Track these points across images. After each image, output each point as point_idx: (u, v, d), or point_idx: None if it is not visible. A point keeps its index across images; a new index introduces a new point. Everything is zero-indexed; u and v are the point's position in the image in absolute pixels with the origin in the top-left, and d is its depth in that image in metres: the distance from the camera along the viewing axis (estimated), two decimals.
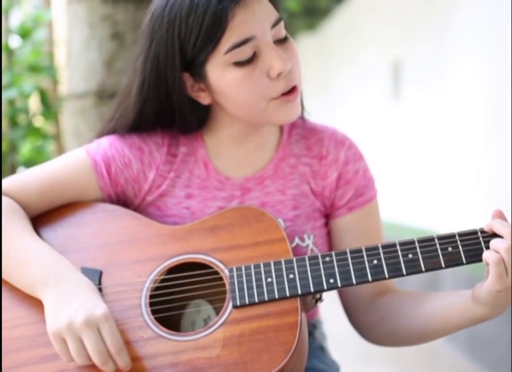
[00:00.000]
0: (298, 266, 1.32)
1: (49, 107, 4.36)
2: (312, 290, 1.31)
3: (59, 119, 4.82)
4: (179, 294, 1.35)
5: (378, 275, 1.31)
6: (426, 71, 5.38)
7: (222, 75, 1.37)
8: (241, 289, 1.32)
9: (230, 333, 1.28)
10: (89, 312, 1.23)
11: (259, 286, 1.31)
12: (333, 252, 1.33)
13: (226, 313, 1.31)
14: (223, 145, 1.51)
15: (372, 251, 1.32)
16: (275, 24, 1.37)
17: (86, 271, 1.37)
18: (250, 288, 1.31)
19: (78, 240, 1.43)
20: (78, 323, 1.22)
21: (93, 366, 1.25)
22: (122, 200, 1.50)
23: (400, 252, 1.31)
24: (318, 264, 1.32)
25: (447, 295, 1.41)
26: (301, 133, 1.54)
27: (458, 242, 1.30)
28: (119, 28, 2.81)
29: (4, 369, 1.28)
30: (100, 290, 1.36)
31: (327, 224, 1.54)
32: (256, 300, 1.30)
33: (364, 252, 1.32)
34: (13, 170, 4.70)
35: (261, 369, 1.24)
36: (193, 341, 1.29)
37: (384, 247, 1.32)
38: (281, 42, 1.39)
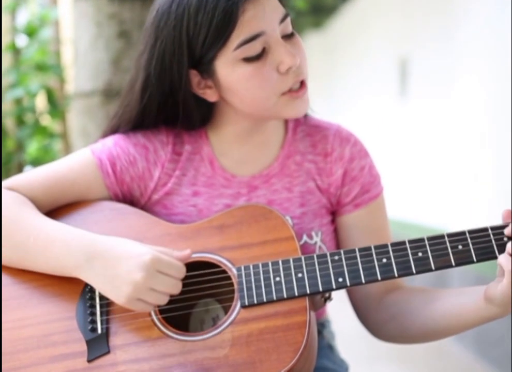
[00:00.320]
0: (306, 265, 1.31)
1: (56, 106, 4.36)
2: (320, 289, 1.30)
3: (66, 118, 4.82)
4: (187, 294, 1.34)
5: (387, 274, 1.30)
6: (433, 69, 5.37)
7: (231, 72, 1.36)
8: (249, 288, 1.31)
9: (239, 333, 1.27)
10: (142, 264, 1.26)
11: (267, 285, 1.31)
12: (342, 251, 1.32)
13: (234, 313, 1.30)
14: (227, 142, 1.50)
15: (381, 249, 1.31)
16: (283, 20, 1.37)
17: None
18: (258, 287, 1.31)
19: None
20: (142, 281, 1.25)
21: (98, 366, 1.25)
22: (128, 199, 1.50)
23: (409, 251, 1.30)
24: (327, 263, 1.31)
25: (457, 293, 1.40)
26: (306, 130, 1.54)
27: (469, 240, 1.28)
28: (126, 27, 2.80)
29: (13, 369, 1.28)
30: None
31: (333, 221, 1.54)
32: (265, 299, 1.30)
33: (373, 251, 1.31)
34: (20, 169, 4.71)
35: (270, 369, 1.23)
36: (201, 341, 1.28)
37: (393, 245, 1.31)
38: (288, 37, 1.38)
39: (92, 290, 1.34)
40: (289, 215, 1.46)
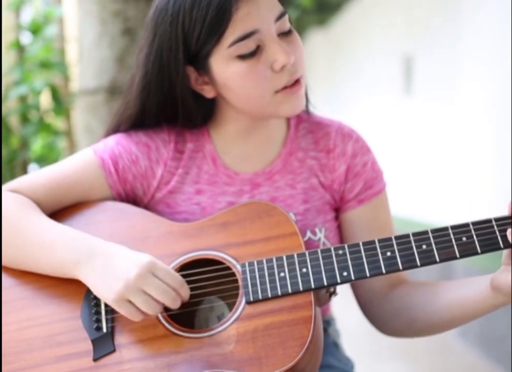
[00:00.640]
0: (310, 260, 1.31)
1: (60, 104, 4.36)
2: (325, 283, 1.30)
3: (71, 115, 4.82)
4: (192, 291, 1.34)
5: (392, 267, 1.30)
6: (437, 67, 5.36)
7: (225, 68, 1.37)
8: (254, 284, 1.31)
9: (244, 329, 1.27)
10: (138, 264, 1.25)
11: (272, 281, 1.31)
12: (346, 245, 1.32)
13: (239, 309, 1.30)
14: (229, 140, 1.51)
15: (385, 242, 1.31)
16: (279, 17, 1.37)
17: None
18: (262, 283, 1.31)
19: None
20: (134, 278, 1.24)
21: (104, 365, 1.26)
22: (131, 199, 1.50)
23: (413, 243, 1.30)
24: (331, 257, 1.31)
25: (462, 284, 1.40)
26: (308, 127, 1.54)
27: (473, 231, 1.28)
28: (130, 24, 2.81)
29: (19, 369, 1.28)
30: None
31: (337, 218, 1.54)
32: (269, 295, 1.30)
33: (377, 244, 1.31)
34: (24, 167, 4.72)
35: (276, 364, 1.23)
36: (207, 338, 1.28)
37: (397, 238, 1.31)
38: (285, 34, 1.38)
39: None
40: (292, 212, 1.46)
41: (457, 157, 4.89)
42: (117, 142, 1.49)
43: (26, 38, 4.98)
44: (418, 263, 1.29)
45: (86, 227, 1.43)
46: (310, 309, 1.28)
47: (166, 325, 1.31)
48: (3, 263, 1.39)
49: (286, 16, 1.39)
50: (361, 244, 1.32)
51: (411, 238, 1.31)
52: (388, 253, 1.30)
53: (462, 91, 4.78)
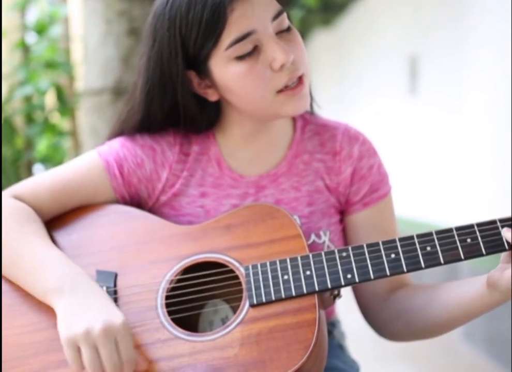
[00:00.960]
0: (314, 262, 1.31)
1: (65, 104, 4.36)
2: (329, 286, 1.29)
3: (76, 116, 4.82)
4: (195, 294, 1.34)
5: (396, 269, 1.29)
6: (443, 66, 5.35)
7: (225, 70, 1.36)
8: (257, 287, 1.30)
9: (248, 332, 1.26)
10: (109, 322, 1.21)
11: (275, 284, 1.30)
12: (350, 247, 1.31)
13: (243, 312, 1.29)
14: (235, 143, 1.50)
15: (389, 244, 1.30)
16: (276, 16, 1.36)
17: (101, 274, 1.36)
18: (266, 285, 1.30)
19: (92, 243, 1.42)
20: (97, 332, 1.20)
21: None
22: (136, 201, 1.49)
23: (417, 245, 1.29)
24: (335, 259, 1.30)
25: (458, 284, 1.40)
26: (314, 129, 1.53)
27: (477, 233, 1.28)
28: (135, 24, 2.81)
29: None
30: (115, 292, 1.35)
31: (342, 220, 1.53)
32: (273, 298, 1.29)
33: (381, 246, 1.30)
34: (29, 167, 4.72)
35: (280, 368, 1.22)
36: (211, 342, 1.27)
37: (401, 240, 1.30)
38: (283, 33, 1.37)
39: None
40: (297, 214, 1.45)
41: (463, 158, 4.87)
42: (122, 145, 1.48)
43: (31, 38, 4.98)
44: (423, 265, 1.28)
45: (90, 230, 1.43)
46: (314, 312, 1.27)
47: (170, 328, 1.30)
48: (3, 272, 1.38)
49: (284, 15, 1.38)
50: (365, 246, 1.31)
51: (416, 240, 1.30)
52: (392, 255, 1.29)
53: (467, 91, 4.77)
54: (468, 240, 1.28)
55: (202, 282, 1.34)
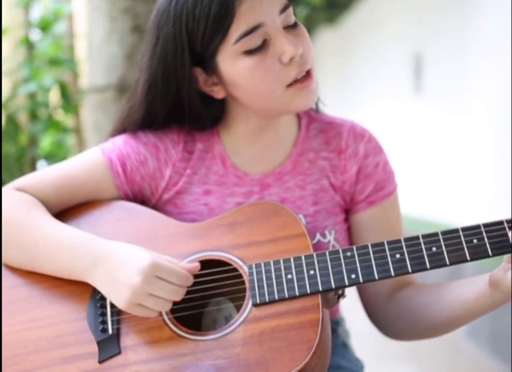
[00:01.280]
0: (318, 262, 1.30)
1: (69, 101, 4.36)
2: (333, 286, 1.28)
3: (80, 113, 4.83)
4: (199, 292, 1.33)
5: (401, 270, 1.28)
6: (447, 64, 5.34)
7: (233, 66, 1.35)
8: (260, 287, 1.29)
9: (251, 332, 1.26)
10: (140, 270, 1.24)
11: (279, 283, 1.29)
12: (354, 247, 1.30)
13: (246, 312, 1.28)
14: (239, 140, 1.49)
15: (394, 244, 1.29)
16: (283, 10, 1.35)
17: None
18: (269, 285, 1.29)
19: None
20: (140, 286, 1.23)
21: (109, 367, 1.25)
22: (139, 199, 1.48)
23: (423, 246, 1.27)
24: (340, 259, 1.29)
25: (463, 284, 1.39)
26: (319, 127, 1.52)
27: (484, 234, 1.26)
28: (139, 21, 2.80)
29: (25, 370, 1.27)
30: None
31: (347, 219, 1.52)
32: (276, 297, 1.28)
33: (386, 246, 1.29)
34: (33, 164, 4.72)
35: (283, 368, 1.21)
36: (213, 341, 1.26)
37: (406, 240, 1.29)
38: (290, 28, 1.37)
39: None
40: (302, 214, 1.44)
41: (468, 156, 4.86)
42: (125, 142, 1.48)
43: (35, 35, 4.99)
44: (428, 266, 1.27)
45: (93, 227, 1.42)
46: (318, 312, 1.26)
47: (172, 327, 1.29)
48: (8, 262, 1.38)
49: (291, 9, 1.37)
50: (369, 246, 1.30)
51: (421, 240, 1.28)
52: (397, 256, 1.28)
53: (472, 90, 4.76)
54: (475, 241, 1.26)
55: (205, 280, 1.34)
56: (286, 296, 1.28)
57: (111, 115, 2.83)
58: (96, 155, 1.47)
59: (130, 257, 1.27)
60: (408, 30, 6.32)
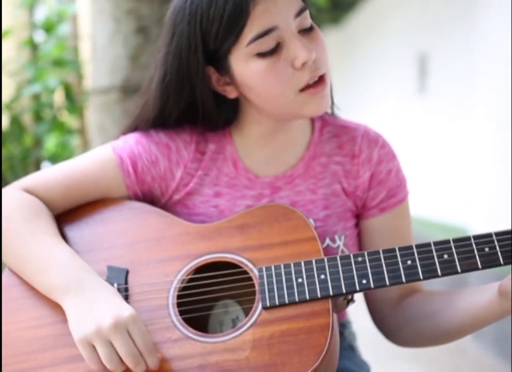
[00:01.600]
0: (329, 266, 1.29)
1: (74, 102, 4.35)
2: (344, 291, 1.27)
3: (84, 114, 4.82)
4: (207, 294, 1.33)
5: (412, 277, 1.27)
6: (452, 65, 5.33)
7: (245, 67, 1.34)
8: (271, 290, 1.28)
9: (260, 335, 1.25)
10: (117, 315, 1.20)
11: (289, 287, 1.28)
12: (365, 252, 1.30)
13: (256, 315, 1.28)
14: (252, 142, 1.48)
15: (406, 251, 1.28)
16: (299, 13, 1.34)
17: (112, 270, 1.35)
18: (280, 288, 1.28)
19: (105, 238, 1.40)
20: (107, 327, 1.19)
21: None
22: (148, 199, 1.47)
23: (434, 253, 1.27)
24: (350, 264, 1.29)
25: (472, 292, 1.38)
26: (333, 131, 1.51)
27: (496, 242, 1.25)
28: (144, 22, 2.80)
29: (30, 369, 1.26)
30: (126, 289, 1.33)
31: (357, 225, 1.51)
32: (286, 301, 1.27)
33: (398, 253, 1.28)
34: (37, 165, 4.72)
35: None
36: (222, 343, 1.26)
37: (418, 246, 1.28)
38: (306, 31, 1.36)
39: None
40: (312, 218, 1.43)
41: (473, 156, 4.85)
42: (136, 141, 1.47)
43: (39, 36, 4.98)
44: (439, 273, 1.27)
45: (102, 225, 1.42)
46: (328, 317, 1.25)
47: (181, 328, 1.28)
48: (7, 264, 1.38)
49: (307, 12, 1.36)
50: (381, 251, 1.29)
51: (433, 247, 1.28)
52: (409, 262, 1.27)
53: (477, 90, 4.75)
54: (486, 249, 1.26)
55: (213, 282, 1.33)
56: (297, 299, 1.27)
57: (116, 117, 2.82)
58: (107, 153, 1.46)
59: (115, 300, 1.24)
60: (412, 30, 6.31)
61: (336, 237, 1.45)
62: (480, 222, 4.58)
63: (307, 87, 1.34)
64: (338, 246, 1.45)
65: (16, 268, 1.35)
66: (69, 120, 4.99)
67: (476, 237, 1.27)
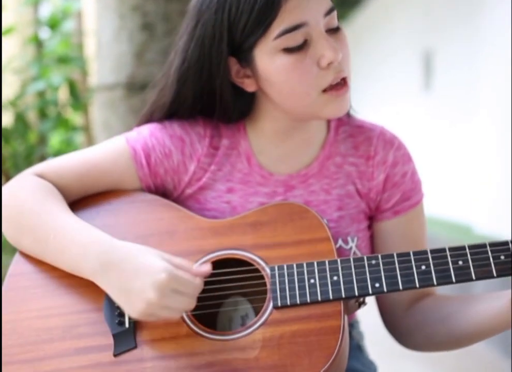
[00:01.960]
0: (342, 268, 1.28)
1: (78, 99, 4.35)
2: (356, 293, 1.26)
3: (89, 111, 4.82)
4: (217, 291, 1.31)
5: (426, 282, 1.25)
6: (457, 62, 5.32)
7: (270, 61, 1.32)
8: (282, 289, 1.27)
9: (270, 334, 1.24)
10: (157, 284, 1.19)
11: (301, 287, 1.27)
12: (379, 255, 1.28)
13: (266, 314, 1.26)
14: (266, 139, 1.46)
15: (420, 255, 1.27)
16: (328, 13, 1.33)
17: None
18: (291, 288, 1.27)
19: (116, 230, 1.37)
20: (155, 300, 1.19)
21: (125, 361, 1.23)
22: (161, 192, 1.46)
23: (449, 259, 1.26)
24: (364, 267, 1.27)
25: (483, 299, 1.37)
26: (349, 131, 1.49)
27: (511, 251, 1.24)
28: (149, 19, 2.79)
29: (37, 359, 1.25)
30: None
31: (370, 227, 1.49)
32: (298, 301, 1.26)
33: (412, 257, 1.27)
34: (42, 162, 4.72)
35: None
36: (231, 341, 1.25)
37: (432, 252, 1.27)
38: (332, 31, 1.34)
39: None
40: (326, 218, 1.41)
41: (478, 154, 4.84)
42: (150, 133, 1.45)
43: (44, 33, 4.98)
44: (454, 280, 1.25)
45: (114, 216, 1.40)
46: (339, 319, 1.24)
47: (190, 324, 1.27)
48: (23, 250, 1.36)
49: (335, 13, 1.34)
50: (395, 255, 1.28)
51: (448, 253, 1.26)
52: (423, 267, 1.26)
53: (482, 87, 4.73)
54: (502, 257, 1.24)
55: (224, 279, 1.32)
56: (308, 300, 1.26)
57: (120, 114, 2.81)
58: (121, 144, 1.45)
59: (145, 266, 1.22)
60: (418, 27, 6.30)
61: (349, 238, 1.44)
62: (484, 219, 4.56)
63: (330, 88, 1.33)
64: (350, 248, 1.43)
65: (34, 251, 1.34)
66: (74, 117, 5.00)
67: (492, 244, 1.25)
